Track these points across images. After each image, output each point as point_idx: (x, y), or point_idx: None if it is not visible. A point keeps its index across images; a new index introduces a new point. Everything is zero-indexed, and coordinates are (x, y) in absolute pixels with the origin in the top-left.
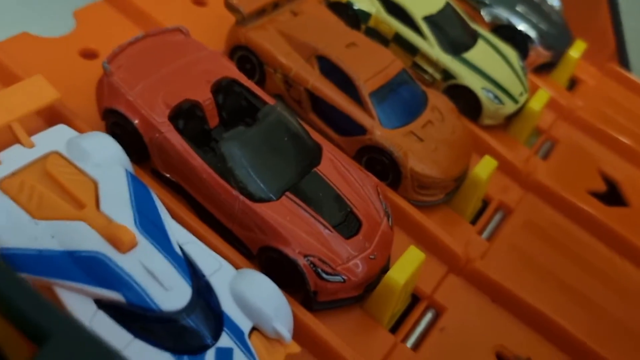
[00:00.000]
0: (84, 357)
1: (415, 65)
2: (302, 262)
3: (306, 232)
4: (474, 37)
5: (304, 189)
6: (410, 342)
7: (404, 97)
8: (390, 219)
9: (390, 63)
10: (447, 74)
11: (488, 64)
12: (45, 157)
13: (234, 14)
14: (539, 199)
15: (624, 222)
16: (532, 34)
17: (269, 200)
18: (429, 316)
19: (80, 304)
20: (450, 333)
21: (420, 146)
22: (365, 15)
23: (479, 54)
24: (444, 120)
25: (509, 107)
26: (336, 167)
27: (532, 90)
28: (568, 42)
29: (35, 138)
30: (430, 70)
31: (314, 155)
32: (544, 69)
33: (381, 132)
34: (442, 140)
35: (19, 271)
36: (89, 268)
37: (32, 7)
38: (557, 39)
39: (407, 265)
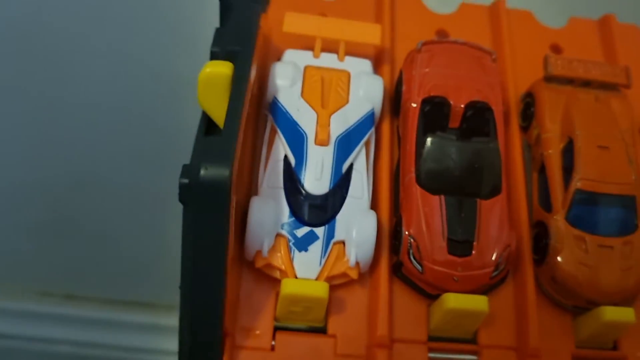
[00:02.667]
0: None
1: None
2: (405, 236)
3: (427, 226)
4: None
5: (455, 203)
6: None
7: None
8: (496, 272)
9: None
10: None
11: None
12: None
13: (544, 69)
14: None
15: None
16: None
17: (427, 190)
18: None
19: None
20: None
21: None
22: None
23: None
24: None
25: None
26: (493, 211)
27: None
28: None
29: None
30: None
31: (489, 191)
32: None
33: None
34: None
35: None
36: (296, 137)
37: None
38: None
39: (466, 301)
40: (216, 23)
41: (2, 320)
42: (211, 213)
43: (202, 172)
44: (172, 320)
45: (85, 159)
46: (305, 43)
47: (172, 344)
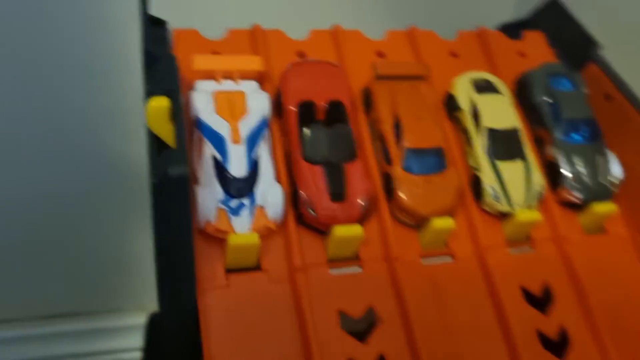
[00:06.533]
0: None
1: (465, 153)
2: (302, 195)
3: (314, 186)
4: (515, 157)
5: (329, 169)
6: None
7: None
8: (363, 209)
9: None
10: (476, 166)
11: (509, 176)
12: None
13: (374, 71)
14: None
15: None
16: (570, 177)
17: (310, 163)
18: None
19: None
20: None
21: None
22: (457, 108)
23: (509, 167)
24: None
25: (504, 208)
26: (354, 170)
27: (547, 210)
28: (602, 198)
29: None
30: (470, 160)
31: (349, 158)
32: (575, 207)
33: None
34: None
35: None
36: (218, 141)
37: None
38: (591, 193)
39: (348, 230)
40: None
41: None
42: (179, 199)
43: (170, 171)
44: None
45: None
46: (206, 74)
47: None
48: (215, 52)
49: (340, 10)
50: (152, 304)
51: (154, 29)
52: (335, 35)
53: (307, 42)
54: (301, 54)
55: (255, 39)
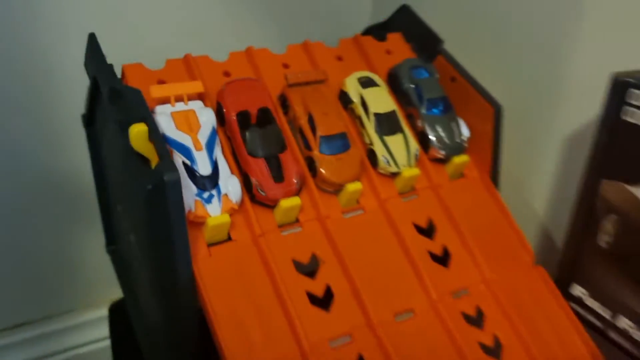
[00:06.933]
0: None
1: (360, 134)
2: (253, 181)
3: (261, 174)
4: (396, 131)
5: (269, 159)
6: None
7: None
8: (297, 185)
9: (338, 125)
10: (370, 142)
11: (394, 146)
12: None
13: (286, 80)
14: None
15: None
16: (435, 140)
17: (254, 157)
18: None
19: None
20: None
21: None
22: (350, 101)
23: (393, 140)
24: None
25: (393, 169)
26: (287, 159)
27: (423, 166)
28: (460, 152)
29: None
30: (366, 138)
31: (281, 150)
32: (441, 161)
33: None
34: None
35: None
36: (185, 150)
37: None
38: (452, 149)
39: (290, 201)
40: None
41: None
42: (176, 198)
43: (166, 177)
44: None
45: None
46: (161, 100)
47: None
48: (160, 80)
49: (249, 33)
50: (100, 300)
51: (109, 68)
52: (250, 54)
53: (229, 63)
54: (227, 73)
55: (189, 65)
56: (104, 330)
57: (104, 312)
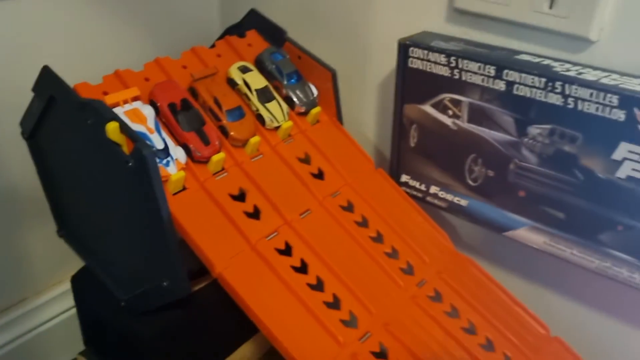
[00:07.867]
0: None
1: (248, 105)
2: (192, 147)
3: (194, 142)
4: (271, 99)
5: (198, 132)
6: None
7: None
8: (219, 146)
9: (235, 100)
10: (256, 109)
11: (272, 109)
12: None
13: (192, 78)
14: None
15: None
16: (297, 101)
17: (186, 131)
18: None
19: None
20: None
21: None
22: (236, 84)
23: (271, 105)
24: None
25: (275, 124)
26: (210, 129)
27: (292, 119)
28: (314, 106)
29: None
30: (253, 107)
31: (204, 124)
32: (303, 114)
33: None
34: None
35: None
36: (142, 135)
37: None
38: (308, 105)
39: (217, 157)
40: None
41: None
42: (154, 169)
43: (144, 152)
44: None
45: None
46: (113, 105)
47: None
48: (104, 92)
49: (149, 46)
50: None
51: (69, 88)
52: (159, 63)
53: (147, 71)
54: (147, 79)
55: (121, 77)
56: (59, 307)
57: (52, 294)
